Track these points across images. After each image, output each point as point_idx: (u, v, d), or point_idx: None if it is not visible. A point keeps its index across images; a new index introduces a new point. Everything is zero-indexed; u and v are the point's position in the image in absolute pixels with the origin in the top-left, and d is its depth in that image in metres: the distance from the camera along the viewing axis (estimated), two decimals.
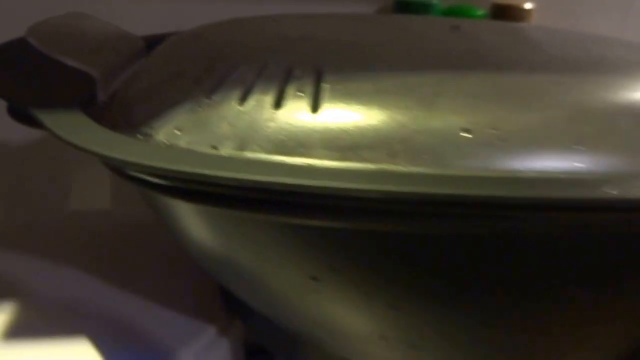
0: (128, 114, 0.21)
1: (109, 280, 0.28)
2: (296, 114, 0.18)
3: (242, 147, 0.18)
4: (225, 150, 0.18)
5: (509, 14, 0.42)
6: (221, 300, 0.28)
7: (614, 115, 0.19)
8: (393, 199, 0.14)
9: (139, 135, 0.19)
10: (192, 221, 0.19)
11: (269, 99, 0.18)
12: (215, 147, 0.18)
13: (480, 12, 0.40)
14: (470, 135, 0.17)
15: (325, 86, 0.18)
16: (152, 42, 0.27)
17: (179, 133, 0.18)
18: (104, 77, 0.23)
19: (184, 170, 0.15)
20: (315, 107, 0.18)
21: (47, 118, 0.18)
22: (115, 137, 0.18)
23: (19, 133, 0.41)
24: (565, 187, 0.15)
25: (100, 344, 0.24)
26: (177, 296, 0.28)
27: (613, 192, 0.14)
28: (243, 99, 0.18)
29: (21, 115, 0.21)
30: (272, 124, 0.18)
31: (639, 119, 0.18)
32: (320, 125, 0.18)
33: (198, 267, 0.27)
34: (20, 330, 0.25)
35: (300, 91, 0.18)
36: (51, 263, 0.30)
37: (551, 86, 0.19)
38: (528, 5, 0.42)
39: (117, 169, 0.18)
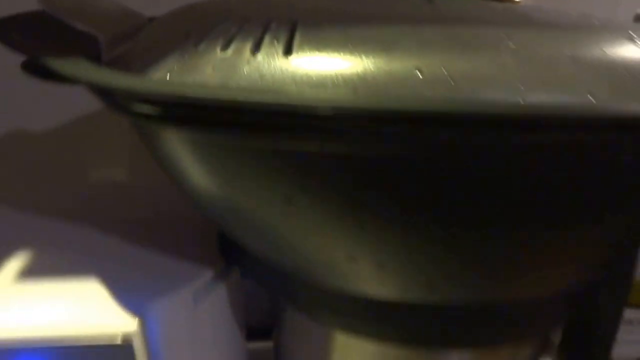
0: (126, 67, 0.23)
1: (118, 233, 0.31)
2: (271, 57, 0.20)
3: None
4: None
5: None
6: (219, 251, 0.30)
7: (557, 61, 0.21)
8: (341, 114, 0.17)
9: None
10: (180, 153, 0.22)
11: (247, 46, 0.21)
12: None
13: None
14: (422, 74, 0.19)
15: (298, 35, 0.21)
16: None
17: (168, 77, 0.21)
18: (108, 42, 0.26)
19: (166, 90, 0.18)
20: (288, 52, 0.20)
21: (54, 63, 0.21)
22: (110, 71, 0.20)
23: (44, 122, 0.45)
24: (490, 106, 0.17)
25: (107, 283, 0.27)
26: (179, 246, 0.30)
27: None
28: (225, 47, 0.21)
29: (32, 68, 0.24)
30: (249, 66, 0.20)
31: (578, 65, 0.21)
32: (292, 66, 0.20)
33: (197, 219, 0.30)
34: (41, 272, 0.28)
35: (275, 39, 0.21)
36: (70, 220, 0.33)
37: (504, 37, 0.21)
38: None
39: (111, 101, 0.20)
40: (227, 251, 0.30)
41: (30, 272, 0.27)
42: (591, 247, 0.23)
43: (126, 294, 0.26)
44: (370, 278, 0.23)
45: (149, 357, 0.24)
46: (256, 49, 0.21)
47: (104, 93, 0.20)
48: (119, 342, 0.24)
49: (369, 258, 0.22)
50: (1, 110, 0.46)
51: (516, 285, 0.24)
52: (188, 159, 0.22)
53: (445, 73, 0.20)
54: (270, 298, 0.33)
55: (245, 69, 0.20)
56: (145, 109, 0.19)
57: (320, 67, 0.20)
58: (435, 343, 0.26)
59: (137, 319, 0.24)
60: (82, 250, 0.30)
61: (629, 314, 0.47)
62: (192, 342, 0.28)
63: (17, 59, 0.25)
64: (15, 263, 0.28)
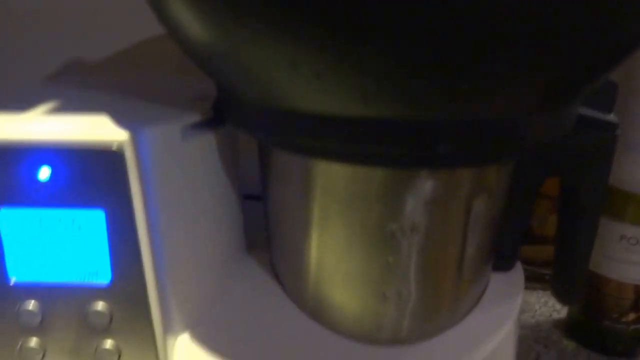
0: None
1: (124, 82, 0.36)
2: None
3: None
4: None
5: None
6: (213, 108, 0.34)
7: None
8: None
9: None
10: None
11: None
12: None
13: None
14: None
15: None
16: None
17: None
18: None
19: None
20: None
21: None
22: None
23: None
24: None
25: (108, 113, 0.31)
26: (173, 94, 0.35)
27: None
28: None
29: None
30: None
31: None
32: None
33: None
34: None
35: None
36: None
37: None
38: None
39: None
40: (221, 108, 0.34)
41: (47, 109, 0.32)
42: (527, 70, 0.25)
43: (122, 120, 0.30)
44: (309, 86, 0.25)
45: (139, 168, 0.28)
46: None
47: None
48: (113, 148, 0.28)
49: (309, 65, 0.24)
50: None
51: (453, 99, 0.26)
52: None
53: None
54: (259, 147, 0.36)
55: None
56: None
57: None
58: (393, 162, 0.29)
59: (129, 133, 0.28)
60: (89, 94, 0.35)
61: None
62: (181, 177, 0.32)
63: None
64: (35, 104, 0.33)
